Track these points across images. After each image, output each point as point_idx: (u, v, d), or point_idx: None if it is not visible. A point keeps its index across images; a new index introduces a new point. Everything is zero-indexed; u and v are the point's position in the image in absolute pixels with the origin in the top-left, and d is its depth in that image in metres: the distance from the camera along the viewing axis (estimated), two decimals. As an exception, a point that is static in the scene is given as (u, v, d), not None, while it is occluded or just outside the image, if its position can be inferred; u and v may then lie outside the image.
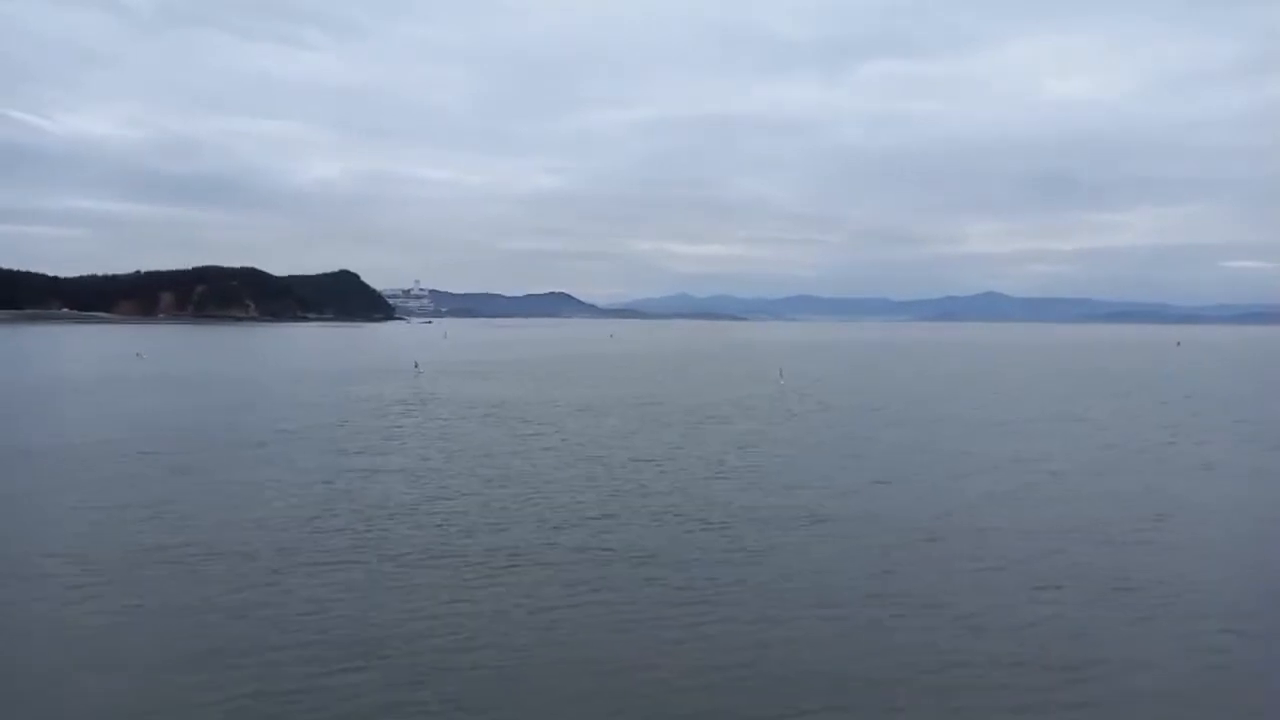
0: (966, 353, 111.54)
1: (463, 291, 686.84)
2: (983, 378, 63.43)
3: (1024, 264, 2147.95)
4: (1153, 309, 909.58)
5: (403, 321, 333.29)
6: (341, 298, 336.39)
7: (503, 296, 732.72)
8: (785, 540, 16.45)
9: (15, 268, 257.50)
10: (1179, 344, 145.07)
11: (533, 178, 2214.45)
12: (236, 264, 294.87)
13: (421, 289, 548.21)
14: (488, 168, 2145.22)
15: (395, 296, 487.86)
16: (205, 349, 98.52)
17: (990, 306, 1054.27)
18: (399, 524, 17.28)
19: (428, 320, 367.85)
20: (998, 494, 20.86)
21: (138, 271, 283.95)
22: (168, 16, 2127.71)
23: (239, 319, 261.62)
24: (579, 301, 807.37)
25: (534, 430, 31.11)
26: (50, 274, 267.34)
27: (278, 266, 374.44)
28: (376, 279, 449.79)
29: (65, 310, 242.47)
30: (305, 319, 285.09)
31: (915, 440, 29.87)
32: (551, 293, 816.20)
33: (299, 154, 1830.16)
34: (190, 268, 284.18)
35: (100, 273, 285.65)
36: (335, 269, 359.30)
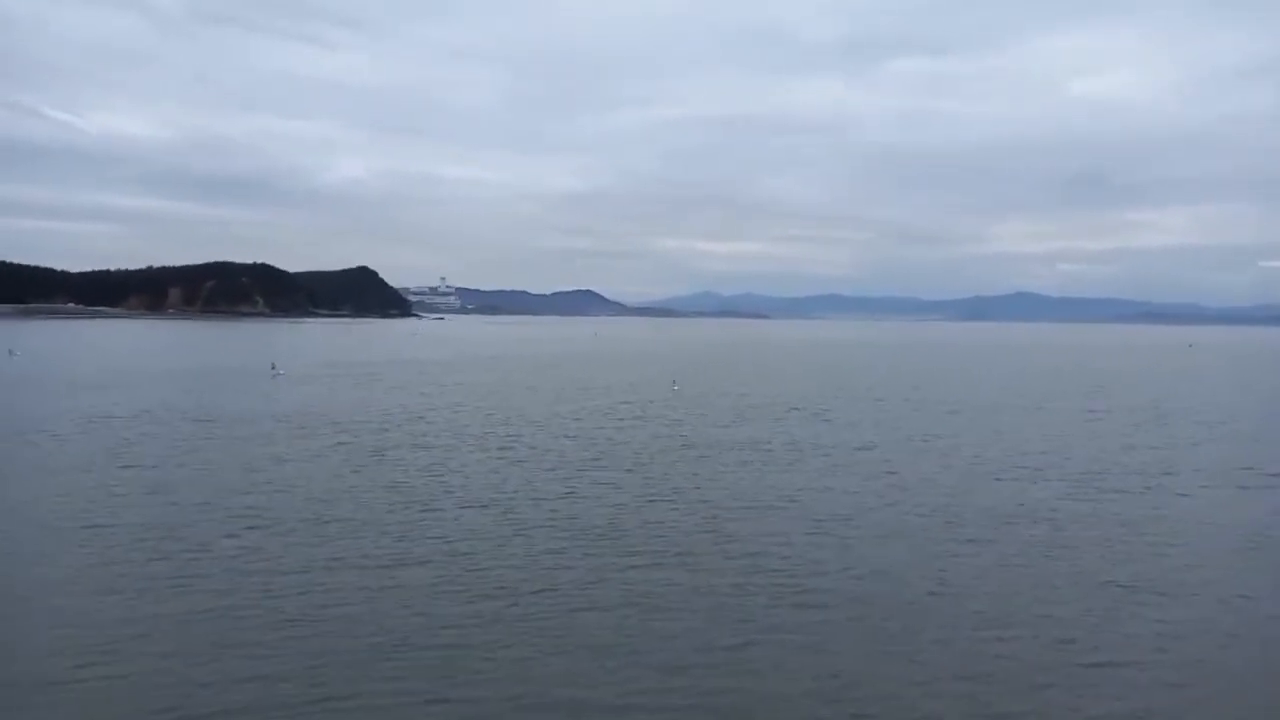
0: (956, 354, 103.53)
1: (492, 289, 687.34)
2: (927, 382, 55.83)
3: (1056, 263, 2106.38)
4: (1186, 309, 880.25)
5: (416, 318, 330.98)
6: (358, 294, 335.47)
7: (529, 294, 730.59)
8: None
9: (36, 263, 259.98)
10: (1190, 346, 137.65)
11: (560, 177, 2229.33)
12: (262, 261, 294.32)
13: (448, 286, 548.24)
14: (516, 166, 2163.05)
15: (422, 294, 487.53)
16: (125, 345, 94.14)
17: (1022, 306, 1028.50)
18: None
19: (440, 317, 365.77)
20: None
21: (149, 267, 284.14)
22: (197, 17, 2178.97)
23: (246, 315, 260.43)
24: (607, 300, 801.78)
25: (213, 456, 25.23)
26: (60, 269, 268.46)
27: (303, 265, 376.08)
28: (405, 277, 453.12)
29: (71, 305, 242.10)
30: (316, 315, 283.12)
31: (688, 467, 23.45)
32: (579, 290, 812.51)
33: (327, 153, 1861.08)
34: (201, 263, 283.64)
35: (121, 268, 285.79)
36: (358, 266, 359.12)
